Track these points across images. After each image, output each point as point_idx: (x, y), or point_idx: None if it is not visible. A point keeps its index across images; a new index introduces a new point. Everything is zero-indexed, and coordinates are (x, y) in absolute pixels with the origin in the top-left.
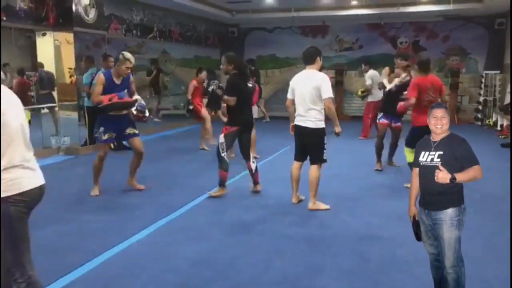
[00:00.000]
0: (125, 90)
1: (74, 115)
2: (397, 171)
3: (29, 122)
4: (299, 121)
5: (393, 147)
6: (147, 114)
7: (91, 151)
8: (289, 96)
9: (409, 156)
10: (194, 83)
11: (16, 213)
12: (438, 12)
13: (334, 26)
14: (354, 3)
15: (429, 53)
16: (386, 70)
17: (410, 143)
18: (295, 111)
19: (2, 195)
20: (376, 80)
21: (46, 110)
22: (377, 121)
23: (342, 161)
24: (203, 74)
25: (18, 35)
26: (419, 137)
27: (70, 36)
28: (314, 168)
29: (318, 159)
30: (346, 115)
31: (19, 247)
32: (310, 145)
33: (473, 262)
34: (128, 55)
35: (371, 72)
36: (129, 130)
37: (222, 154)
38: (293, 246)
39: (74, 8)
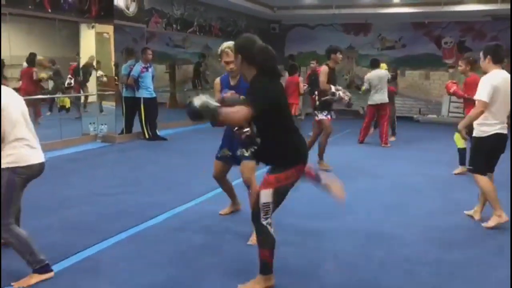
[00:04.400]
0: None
1: (112, 104)
2: (423, 174)
3: (68, 109)
4: (501, 128)
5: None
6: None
7: (127, 139)
8: (488, 99)
9: (460, 141)
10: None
11: (19, 182)
12: (485, 11)
13: (377, 24)
14: (396, 1)
15: (475, 54)
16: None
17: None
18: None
19: (12, 165)
20: (373, 82)
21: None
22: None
23: (373, 160)
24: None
25: (62, 27)
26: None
27: (112, 29)
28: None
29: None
30: None
31: (11, 208)
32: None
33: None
34: (223, 45)
35: (370, 73)
36: (240, 151)
37: (264, 222)
38: (301, 239)
39: (115, 1)
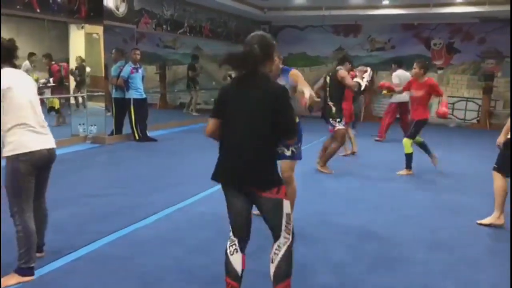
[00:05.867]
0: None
1: (102, 105)
2: (412, 174)
3: (58, 110)
4: None
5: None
6: None
7: (117, 141)
8: None
9: (409, 147)
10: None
11: (23, 169)
12: (473, 13)
13: (367, 25)
14: (385, 2)
15: (464, 55)
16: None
17: (414, 135)
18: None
19: (13, 153)
20: (403, 80)
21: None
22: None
23: (356, 161)
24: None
25: (51, 27)
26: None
27: (101, 29)
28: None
29: None
30: (376, 116)
31: (21, 195)
32: None
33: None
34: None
35: (399, 72)
36: (280, 149)
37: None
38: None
39: (105, 2)
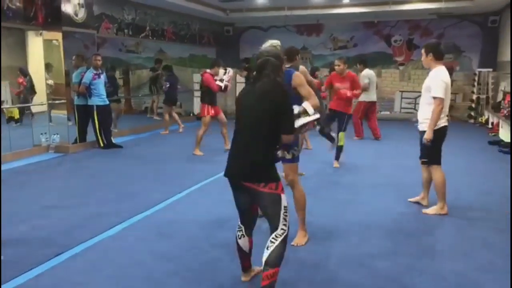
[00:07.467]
0: None
1: (64, 113)
2: (375, 169)
3: (17, 120)
4: (446, 121)
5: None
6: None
7: (81, 149)
8: (444, 95)
9: (343, 140)
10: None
11: None
12: (431, 10)
13: (329, 24)
14: (346, 1)
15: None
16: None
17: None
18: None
19: None
20: (372, 79)
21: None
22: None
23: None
24: None
25: (7, 34)
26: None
27: (60, 35)
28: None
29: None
30: None
31: None
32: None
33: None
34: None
35: (367, 72)
36: (280, 153)
37: None
38: (258, 239)
39: (63, 7)
